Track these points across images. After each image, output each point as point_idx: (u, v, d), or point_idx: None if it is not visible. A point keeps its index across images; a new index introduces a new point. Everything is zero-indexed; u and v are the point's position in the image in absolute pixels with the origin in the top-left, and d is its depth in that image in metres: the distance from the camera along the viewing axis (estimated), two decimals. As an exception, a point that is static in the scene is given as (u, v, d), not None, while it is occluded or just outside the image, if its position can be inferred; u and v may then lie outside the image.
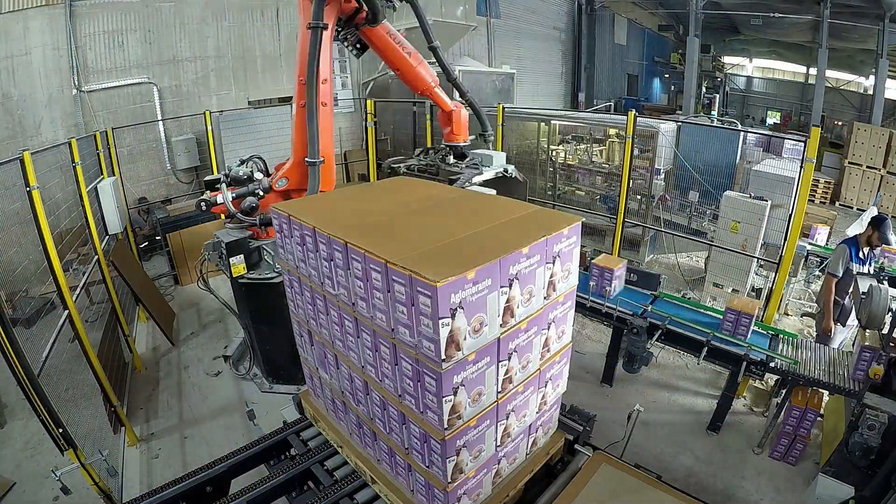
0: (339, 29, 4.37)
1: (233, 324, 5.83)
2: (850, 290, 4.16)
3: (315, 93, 3.77)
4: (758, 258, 5.60)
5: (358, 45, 4.66)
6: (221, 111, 7.79)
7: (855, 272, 4.17)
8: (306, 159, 3.93)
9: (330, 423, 2.63)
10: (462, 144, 5.38)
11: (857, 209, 10.19)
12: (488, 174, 5.17)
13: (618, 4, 16.69)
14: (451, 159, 5.35)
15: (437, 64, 5.12)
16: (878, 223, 4.15)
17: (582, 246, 2.17)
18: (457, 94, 5.41)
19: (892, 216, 9.87)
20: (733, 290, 5.93)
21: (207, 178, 4.43)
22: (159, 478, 3.72)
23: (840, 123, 14.22)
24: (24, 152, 3.25)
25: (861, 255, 4.18)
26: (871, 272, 4.15)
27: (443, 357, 1.57)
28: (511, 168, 5.40)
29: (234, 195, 4.26)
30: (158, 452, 4.05)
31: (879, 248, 4.17)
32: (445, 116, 5.27)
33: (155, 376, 5.09)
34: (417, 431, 1.83)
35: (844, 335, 4.51)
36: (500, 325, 1.76)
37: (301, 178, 4.15)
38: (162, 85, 7.92)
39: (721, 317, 4.00)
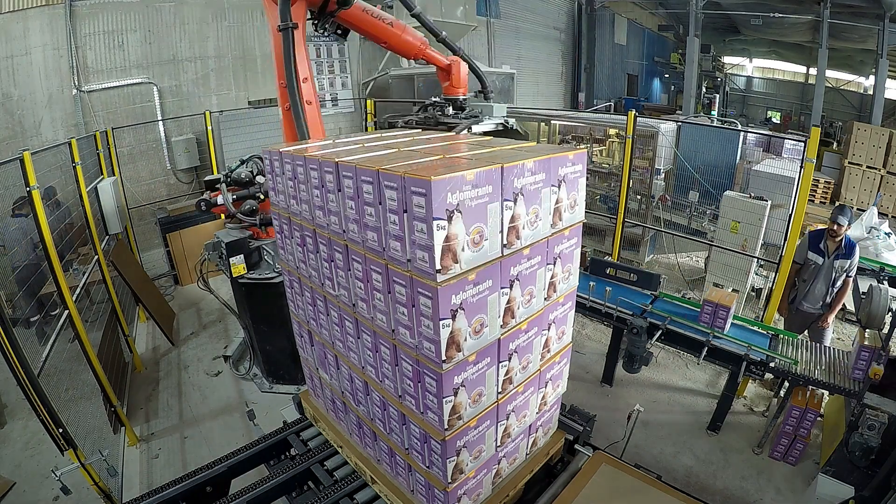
0: (315, 21, 4.30)
1: (233, 324, 5.83)
2: (806, 276, 4.31)
3: (297, 93, 3.74)
4: (758, 258, 5.60)
5: (339, 31, 4.55)
6: (221, 111, 7.79)
7: (811, 261, 4.24)
8: None
9: (330, 423, 2.64)
10: (462, 98, 5.26)
11: (857, 209, 10.19)
12: (487, 125, 5.08)
13: (618, 4, 16.69)
14: (451, 111, 5.25)
15: (423, 27, 4.99)
16: (833, 211, 4.20)
17: (582, 246, 2.17)
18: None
19: (893, 216, 9.88)
20: (733, 289, 5.93)
21: (207, 178, 4.43)
22: (159, 478, 3.72)
23: (838, 123, 14.23)
24: (24, 152, 3.25)
25: (822, 245, 4.18)
26: (842, 267, 4.13)
27: (443, 358, 1.57)
28: (512, 121, 5.28)
29: (234, 196, 4.26)
30: (158, 452, 4.05)
31: (843, 238, 4.13)
32: (444, 72, 5.17)
33: (155, 376, 5.09)
34: (417, 432, 1.83)
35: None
36: (501, 326, 1.76)
37: None
38: (162, 85, 7.92)
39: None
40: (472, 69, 5.36)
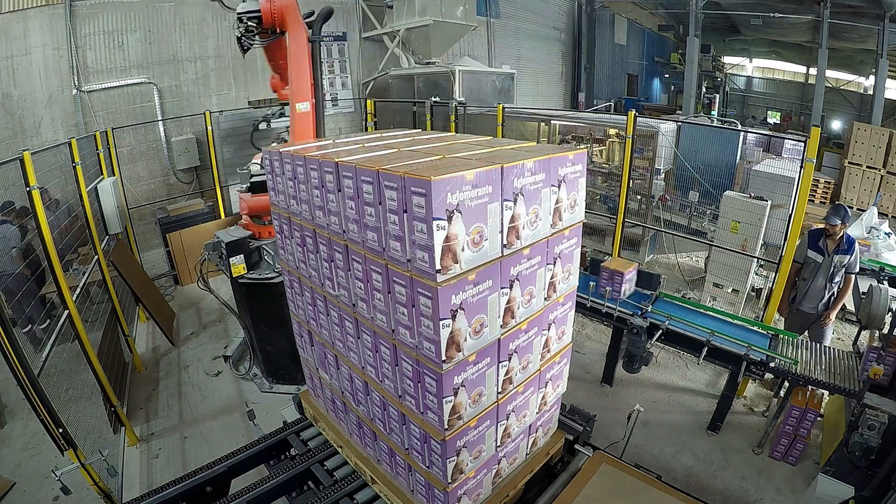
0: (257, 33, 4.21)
1: (233, 324, 5.83)
2: (806, 275, 4.31)
3: (321, 97, 4.20)
4: (758, 258, 5.60)
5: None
6: (221, 111, 7.79)
7: (811, 260, 4.24)
8: None
9: (330, 423, 2.64)
10: None
11: (858, 209, 10.19)
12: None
13: (618, 4, 16.68)
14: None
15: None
16: (827, 211, 4.21)
17: (582, 246, 2.17)
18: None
19: (893, 216, 9.88)
20: (733, 290, 5.93)
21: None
22: (159, 478, 3.71)
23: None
24: (24, 152, 3.25)
25: (822, 244, 4.19)
26: (842, 263, 4.13)
27: (443, 358, 1.57)
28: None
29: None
30: (158, 452, 4.05)
31: (842, 236, 4.13)
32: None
33: (155, 376, 5.09)
34: (417, 432, 1.83)
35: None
36: (501, 326, 1.76)
37: None
38: (162, 85, 7.92)
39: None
40: None
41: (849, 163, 10.67)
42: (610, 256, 5.84)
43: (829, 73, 14.50)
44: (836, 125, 14.53)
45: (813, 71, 15.95)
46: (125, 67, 7.56)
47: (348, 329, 2.07)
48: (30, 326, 4.90)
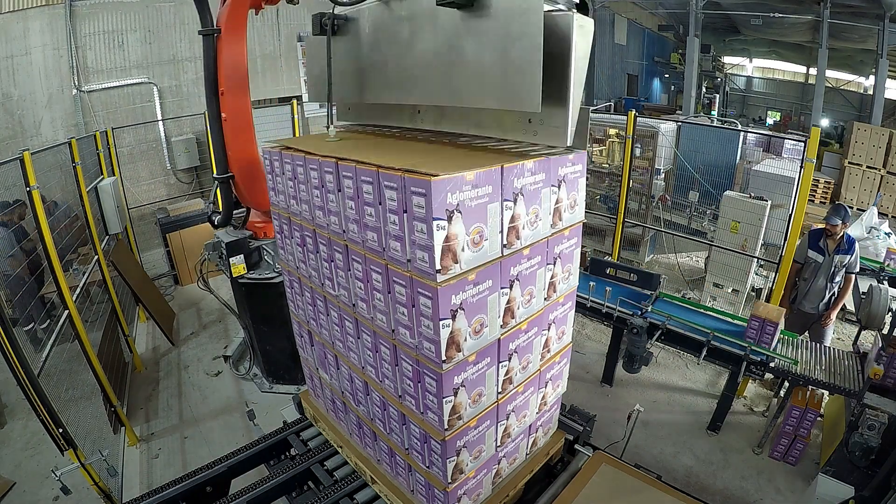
0: None
1: (233, 324, 5.83)
2: (807, 275, 4.31)
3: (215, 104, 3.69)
4: (758, 258, 5.60)
5: None
6: (221, 111, 7.77)
7: (812, 260, 4.23)
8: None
9: (330, 423, 2.64)
10: None
11: (858, 209, 10.19)
12: None
13: (618, 4, 16.68)
14: None
15: None
16: (828, 211, 4.22)
17: (582, 246, 2.17)
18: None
19: (893, 216, 9.88)
20: (733, 290, 5.93)
21: None
22: (159, 478, 3.72)
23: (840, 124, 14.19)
24: (24, 152, 3.25)
25: (822, 244, 4.19)
26: (842, 263, 4.13)
27: (443, 358, 1.57)
28: None
29: None
30: (158, 452, 4.05)
31: (842, 236, 4.14)
32: None
33: (155, 376, 5.09)
34: (417, 432, 1.83)
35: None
36: (501, 326, 1.76)
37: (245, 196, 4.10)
38: (162, 85, 7.92)
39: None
40: None
41: (849, 163, 10.67)
42: (610, 256, 5.85)
43: (829, 73, 14.49)
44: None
45: (813, 71, 15.94)
46: (125, 67, 7.56)
47: (348, 329, 2.07)
48: (32, 325, 4.89)
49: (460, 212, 1.45)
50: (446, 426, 1.68)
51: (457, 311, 1.55)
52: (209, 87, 3.70)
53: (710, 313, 4.30)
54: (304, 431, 2.85)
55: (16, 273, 4.42)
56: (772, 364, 3.68)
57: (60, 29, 6.93)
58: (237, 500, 2.32)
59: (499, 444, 1.99)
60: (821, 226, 4.33)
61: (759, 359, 3.69)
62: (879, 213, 8.01)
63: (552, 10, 1.54)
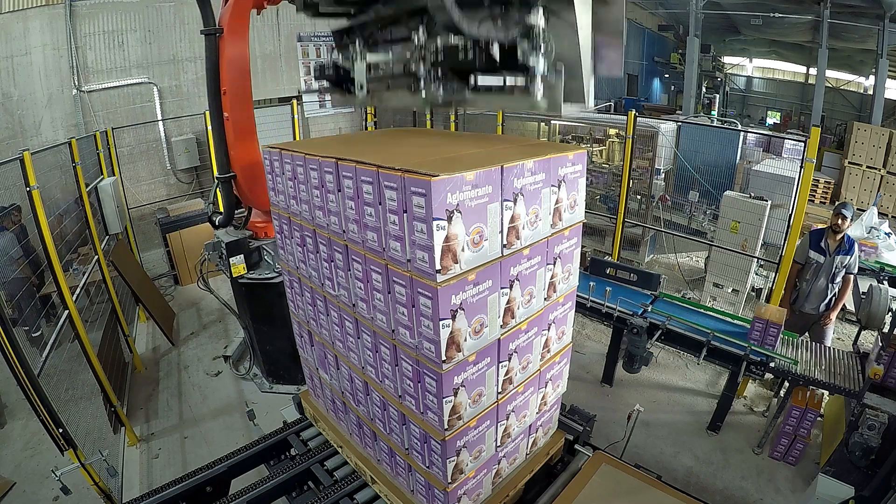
0: None
1: (233, 324, 5.83)
2: (808, 275, 4.29)
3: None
4: (758, 258, 5.60)
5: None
6: (221, 111, 7.77)
7: (813, 260, 4.22)
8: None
9: (330, 423, 2.64)
10: None
11: (858, 209, 10.18)
12: None
13: (618, 4, 16.65)
14: None
15: None
16: (836, 206, 4.21)
17: (582, 246, 2.17)
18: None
19: (893, 216, 9.88)
20: (733, 290, 5.93)
21: None
22: (159, 478, 3.71)
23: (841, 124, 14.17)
24: (24, 152, 3.25)
25: (823, 244, 4.19)
26: (843, 263, 4.13)
27: (443, 358, 1.57)
28: None
29: None
30: (158, 452, 4.05)
31: (844, 235, 4.14)
32: None
33: (155, 376, 5.09)
34: (417, 432, 1.83)
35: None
36: (501, 326, 1.76)
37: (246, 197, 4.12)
38: (162, 85, 7.91)
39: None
40: None
41: (849, 163, 10.67)
42: (610, 256, 5.85)
43: (829, 73, 14.49)
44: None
45: (813, 71, 15.94)
46: (125, 67, 7.56)
47: (348, 329, 2.07)
48: (36, 327, 4.88)
49: (460, 212, 1.45)
50: (446, 426, 1.68)
51: (457, 311, 1.55)
52: (211, 87, 3.68)
53: (710, 313, 4.30)
54: (304, 431, 2.85)
55: (14, 276, 4.42)
56: (772, 364, 3.68)
57: (60, 29, 6.93)
58: (237, 500, 2.32)
59: (499, 444, 1.99)
60: (822, 226, 4.33)
61: (758, 359, 3.69)
62: (879, 213, 8.01)
63: None
